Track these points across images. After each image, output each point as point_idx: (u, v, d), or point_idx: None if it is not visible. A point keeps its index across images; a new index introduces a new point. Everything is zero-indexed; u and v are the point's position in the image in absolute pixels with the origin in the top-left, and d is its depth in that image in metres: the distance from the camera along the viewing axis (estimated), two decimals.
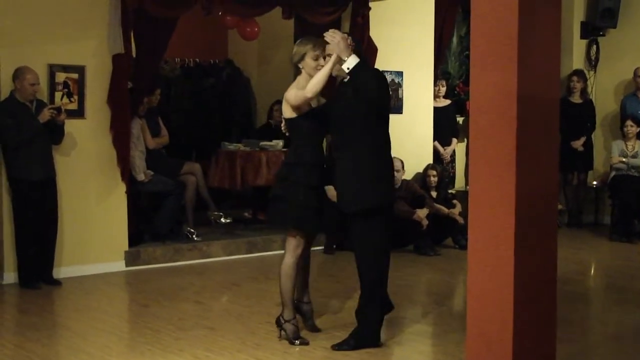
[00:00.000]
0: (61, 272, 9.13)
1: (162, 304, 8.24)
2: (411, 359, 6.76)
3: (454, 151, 12.59)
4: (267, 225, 11.26)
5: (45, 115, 8.54)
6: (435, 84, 12.23)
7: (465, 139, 12.32)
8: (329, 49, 6.50)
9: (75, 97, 9.26)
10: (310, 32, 11.07)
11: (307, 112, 6.64)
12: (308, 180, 6.60)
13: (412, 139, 11.59)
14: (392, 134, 11.16)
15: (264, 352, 6.57)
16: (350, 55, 6.38)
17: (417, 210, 10.65)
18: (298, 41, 6.89)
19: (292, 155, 6.79)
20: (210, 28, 12.56)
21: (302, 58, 6.63)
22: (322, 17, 10.85)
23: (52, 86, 9.12)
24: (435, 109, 12.20)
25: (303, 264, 6.93)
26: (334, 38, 6.39)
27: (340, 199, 6.70)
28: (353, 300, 8.34)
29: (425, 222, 10.64)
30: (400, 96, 11.69)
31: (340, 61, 6.40)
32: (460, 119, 12.87)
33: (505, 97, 5.25)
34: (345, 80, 6.55)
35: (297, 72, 6.81)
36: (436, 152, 12.27)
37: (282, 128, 7.01)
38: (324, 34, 6.50)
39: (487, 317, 5.42)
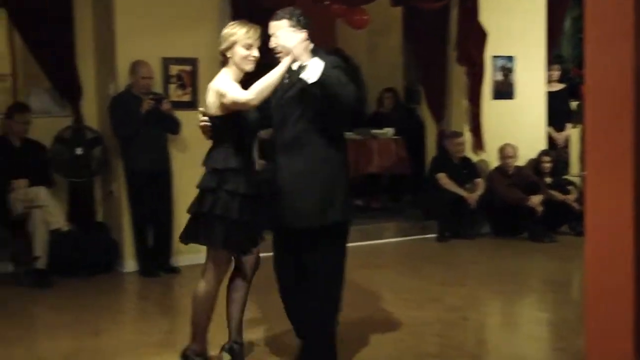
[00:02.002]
0: (179, 260, 9.29)
1: (274, 288, 8.32)
2: (526, 345, 6.72)
3: (568, 136, 12.39)
4: (376, 214, 11.39)
5: (144, 105, 8.73)
6: (548, 68, 12.04)
7: (580, 124, 12.12)
8: (277, 47, 5.40)
9: (189, 88, 9.43)
10: (420, 19, 11.14)
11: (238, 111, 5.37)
12: (244, 189, 5.39)
13: (524, 125, 11.47)
14: (503, 120, 11.25)
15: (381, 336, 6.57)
16: (309, 59, 5.22)
17: (531, 196, 10.55)
18: (228, 25, 5.57)
19: (219, 160, 5.44)
20: (318, 16, 12.58)
21: (231, 45, 5.38)
22: (430, 3, 10.81)
23: (166, 79, 9.30)
24: (549, 94, 12.02)
25: (240, 296, 5.88)
26: (288, 39, 5.26)
27: (294, 211, 5.44)
28: (467, 288, 8.39)
29: (539, 209, 10.54)
30: (510, 81, 11.56)
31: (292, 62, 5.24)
32: (574, 104, 12.64)
33: (621, 79, 5.17)
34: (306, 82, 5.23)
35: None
36: (550, 138, 12.09)
37: (201, 126, 5.57)
38: (272, 38, 5.40)
39: (605, 307, 5.34)
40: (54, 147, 9.21)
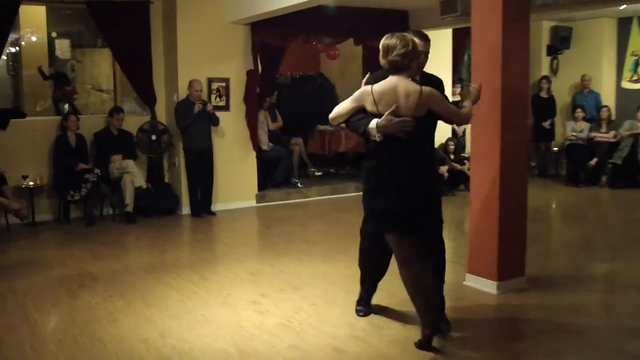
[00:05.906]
0: (216, 207, 9.23)
1: (278, 226, 8.33)
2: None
3: (465, 128, 12.36)
4: (343, 177, 11.34)
5: (196, 108, 8.64)
6: (453, 85, 12.00)
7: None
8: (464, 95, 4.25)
9: (224, 97, 9.33)
10: (373, 55, 11.02)
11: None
12: None
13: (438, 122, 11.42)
14: None
15: (344, 256, 6.53)
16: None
17: (441, 166, 10.57)
18: (403, 38, 3.98)
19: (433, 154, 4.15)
20: (307, 51, 12.52)
21: (417, 56, 4.05)
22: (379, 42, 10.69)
23: (210, 91, 9.20)
24: (453, 102, 11.93)
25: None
26: (478, 91, 4.36)
27: (420, 195, 4.08)
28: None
29: (446, 175, 10.55)
30: None
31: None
32: None
33: (494, 92, 5.21)
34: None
35: (379, 73, 4.18)
36: (453, 130, 12.06)
37: (406, 124, 3.94)
38: (470, 87, 4.48)
39: (481, 233, 5.40)
40: (138, 134, 9.10)
